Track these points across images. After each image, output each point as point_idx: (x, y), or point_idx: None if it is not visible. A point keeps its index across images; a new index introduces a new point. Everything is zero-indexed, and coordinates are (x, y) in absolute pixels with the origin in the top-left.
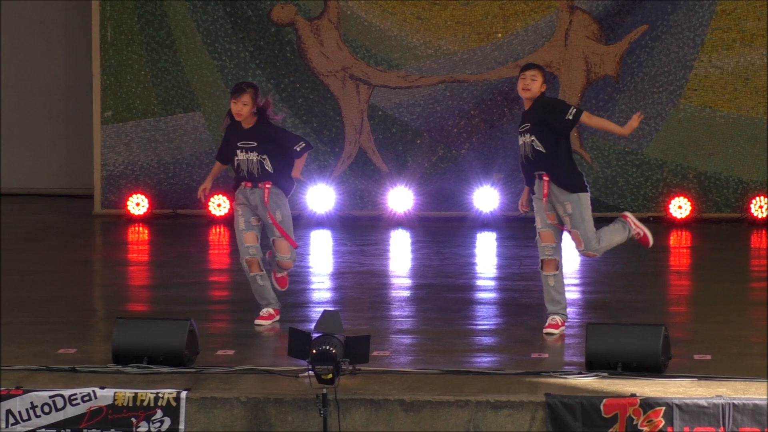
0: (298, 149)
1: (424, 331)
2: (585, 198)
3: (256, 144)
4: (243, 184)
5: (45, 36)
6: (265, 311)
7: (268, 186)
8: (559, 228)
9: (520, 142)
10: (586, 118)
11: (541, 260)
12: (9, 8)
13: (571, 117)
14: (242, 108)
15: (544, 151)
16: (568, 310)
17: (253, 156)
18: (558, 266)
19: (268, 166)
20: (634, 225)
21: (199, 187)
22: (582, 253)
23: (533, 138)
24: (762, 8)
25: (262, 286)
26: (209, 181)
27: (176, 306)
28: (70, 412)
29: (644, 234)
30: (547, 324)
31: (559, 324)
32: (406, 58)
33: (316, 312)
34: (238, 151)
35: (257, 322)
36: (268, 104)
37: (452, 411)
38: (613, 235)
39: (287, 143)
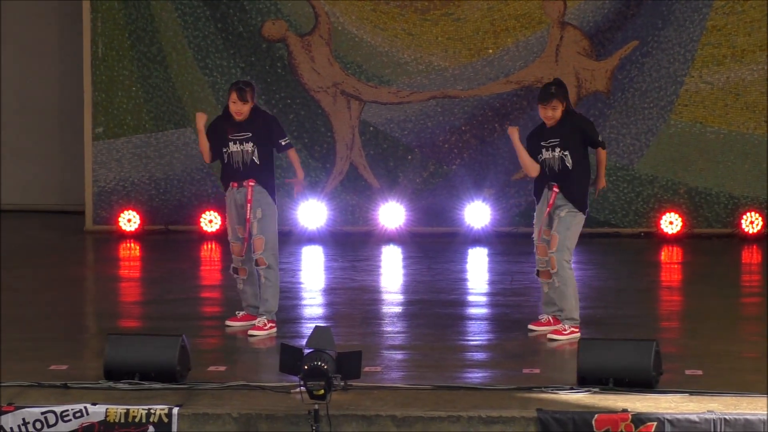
0: (282, 143)
1: (415, 347)
2: (581, 217)
3: (251, 134)
4: (231, 184)
5: (36, 52)
6: (259, 321)
7: (251, 184)
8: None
9: (546, 156)
10: (604, 153)
11: (537, 269)
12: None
13: (600, 139)
14: (243, 107)
15: (571, 167)
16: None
17: (249, 147)
18: (550, 276)
19: (256, 158)
20: (569, 334)
21: (190, 202)
22: (550, 254)
23: (566, 153)
24: (753, 24)
25: (241, 290)
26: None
27: (168, 322)
28: (62, 428)
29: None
30: (534, 322)
31: (543, 323)
32: (397, 74)
33: (308, 328)
34: (230, 144)
35: (250, 332)
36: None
37: (444, 426)
38: (571, 294)
39: (275, 135)
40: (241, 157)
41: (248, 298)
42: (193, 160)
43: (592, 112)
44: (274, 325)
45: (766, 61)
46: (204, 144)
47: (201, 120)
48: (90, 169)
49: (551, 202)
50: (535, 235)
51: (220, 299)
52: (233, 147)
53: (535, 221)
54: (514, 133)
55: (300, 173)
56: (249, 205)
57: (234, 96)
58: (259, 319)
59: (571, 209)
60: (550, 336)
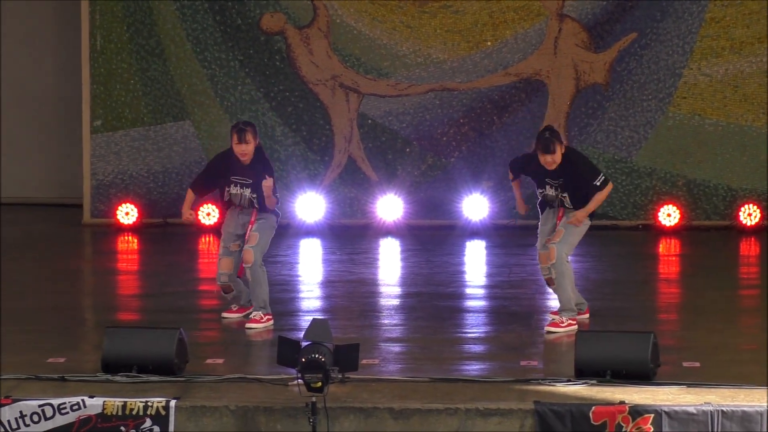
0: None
1: (413, 340)
2: (588, 224)
3: (252, 182)
4: (238, 206)
5: (35, 45)
6: (255, 314)
7: (255, 213)
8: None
9: (548, 191)
10: (606, 192)
11: (544, 279)
12: None
13: (598, 184)
14: (246, 148)
15: (571, 205)
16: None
17: (247, 192)
18: (554, 282)
19: (255, 201)
20: (568, 326)
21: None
22: (551, 245)
23: (566, 195)
24: (751, 16)
25: (230, 298)
26: (187, 209)
27: (166, 315)
28: (60, 420)
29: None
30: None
31: (558, 323)
32: (396, 67)
33: (306, 320)
34: (232, 185)
35: (247, 325)
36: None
37: (441, 419)
38: (568, 285)
39: (267, 170)
40: (240, 199)
41: (242, 297)
42: (191, 154)
43: (590, 104)
44: (270, 317)
45: (765, 53)
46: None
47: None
48: (88, 162)
49: (560, 215)
50: (538, 244)
51: (217, 292)
52: (234, 189)
53: (539, 230)
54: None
55: (270, 202)
56: (251, 226)
57: (235, 138)
58: (254, 313)
59: (576, 211)
60: (547, 329)
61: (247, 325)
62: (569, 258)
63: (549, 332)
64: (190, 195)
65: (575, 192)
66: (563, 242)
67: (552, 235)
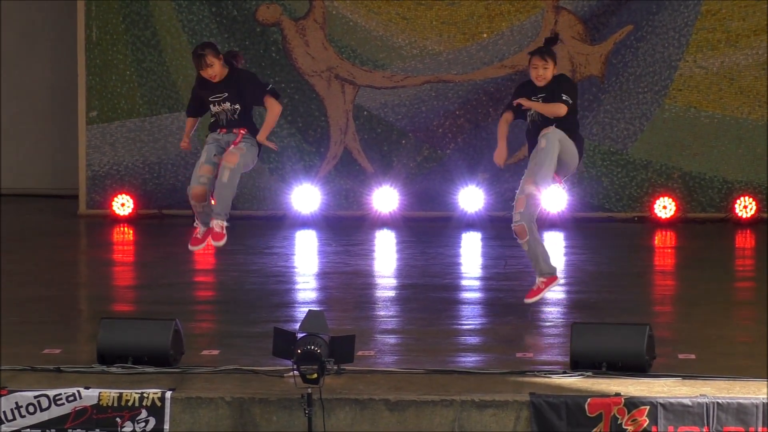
0: (269, 88)
1: (409, 331)
2: (553, 145)
3: (227, 94)
4: (218, 130)
5: (30, 36)
6: (215, 224)
7: (242, 131)
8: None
9: (530, 115)
10: (558, 107)
11: (513, 225)
12: None
13: (564, 98)
14: (212, 71)
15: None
16: (553, 309)
17: (227, 105)
18: (527, 232)
19: (237, 114)
20: (543, 287)
21: (184, 186)
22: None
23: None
24: (747, 8)
25: (200, 212)
26: (187, 140)
27: (161, 306)
28: (55, 412)
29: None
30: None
31: (537, 287)
32: (392, 58)
33: (301, 312)
34: (212, 106)
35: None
36: (238, 58)
37: (437, 411)
38: (541, 250)
39: (258, 89)
40: (225, 115)
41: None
42: None
43: (586, 96)
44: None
45: (761, 45)
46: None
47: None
48: (84, 153)
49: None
50: (519, 189)
51: (213, 283)
52: (215, 108)
53: (527, 168)
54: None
55: (267, 131)
56: (234, 144)
57: (196, 66)
58: (215, 222)
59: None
60: (526, 300)
61: (213, 240)
62: (544, 187)
63: (528, 302)
64: (188, 123)
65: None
66: (533, 178)
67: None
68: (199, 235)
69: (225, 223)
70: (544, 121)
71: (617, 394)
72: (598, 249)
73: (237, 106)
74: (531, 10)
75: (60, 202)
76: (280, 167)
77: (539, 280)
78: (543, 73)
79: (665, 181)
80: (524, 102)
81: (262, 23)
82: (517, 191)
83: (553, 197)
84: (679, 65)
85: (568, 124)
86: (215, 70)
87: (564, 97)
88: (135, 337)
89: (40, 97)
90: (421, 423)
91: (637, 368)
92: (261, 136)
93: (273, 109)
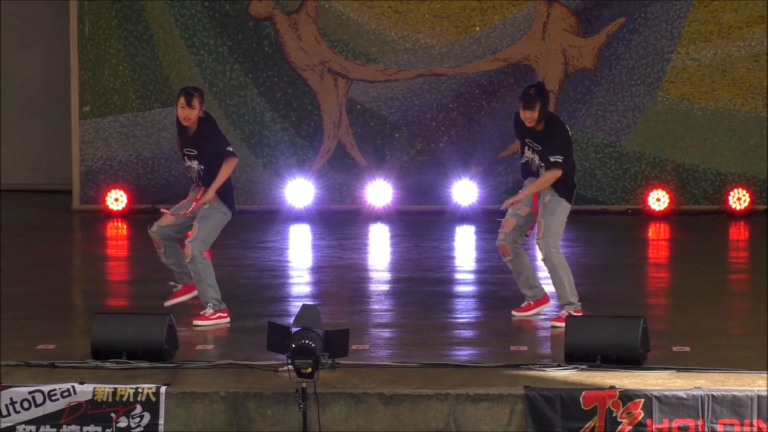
0: (229, 149)
1: (403, 325)
2: (565, 204)
3: (196, 152)
4: (191, 184)
5: (23, 32)
6: (206, 311)
7: (202, 188)
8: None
9: (528, 156)
10: (552, 175)
11: (497, 242)
12: None
13: (552, 161)
14: (190, 113)
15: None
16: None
17: (194, 164)
18: (509, 253)
19: (202, 174)
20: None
21: (178, 181)
22: (537, 242)
23: (542, 165)
24: (739, 1)
25: (165, 263)
26: None
27: (155, 301)
28: (50, 407)
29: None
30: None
31: (523, 308)
32: (384, 52)
33: (295, 306)
34: (185, 158)
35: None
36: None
37: (432, 404)
38: (564, 278)
39: (216, 153)
40: (192, 172)
41: (174, 266)
42: None
43: (579, 89)
44: (224, 314)
45: (758, 37)
46: None
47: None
48: (77, 148)
49: (535, 201)
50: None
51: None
52: (186, 162)
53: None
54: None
55: (213, 189)
56: (195, 203)
57: (182, 101)
58: (204, 310)
59: (554, 195)
60: (552, 324)
61: (195, 322)
62: (560, 249)
63: (554, 327)
64: None
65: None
66: (546, 235)
67: (523, 213)
68: (174, 289)
69: (214, 312)
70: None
71: (612, 387)
72: (592, 242)
73: (202, 167)
74: (523, 3)
75: (53, 198)
76: (273, 161)
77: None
78: (530, 116)
79: (659, 174)
80: (515, 201)
81: (254, 17)
82: (509, 212)
83: None
84: (671, 57)
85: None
86: (192, 115)
87: (553, 160)
88: (129, 333)
89: (34, 92)
90: (416, 417)
91: (632, 361)
92: (209, 193)
93: (228, 165)
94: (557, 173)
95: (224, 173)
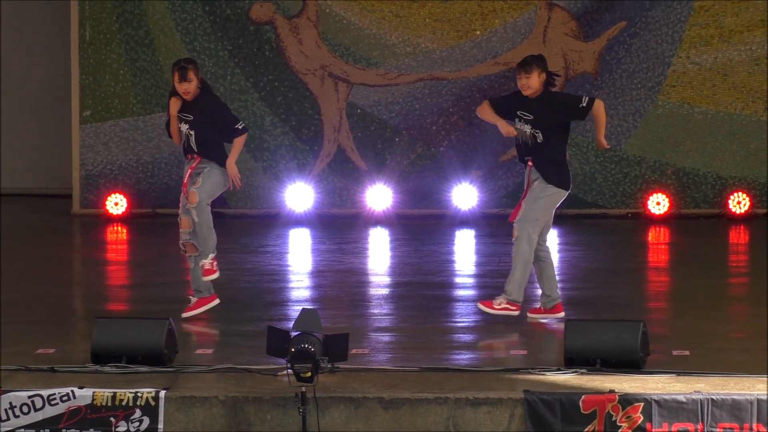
0: (239, 127)
1: (403, 329)
2: (552, 190)
3: (191, 118)
4: (187, 155)
5: (24, 35)
6: (206, 263)
7: (197, 159)
8: None
9: (518, 127)
10: (598, 105)
11: None
12: None
13: (585, 104)
14: (188, 86)
15: (542, 142)
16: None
17: (184, 127)
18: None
19: (193, 143)
20: (500, 309)
21: (178, 185)
22: (514, 224)
23: (538, 131)
24: (740, 4)
25: (192, 269)
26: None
27: (155, 305)
28: (49, 412)
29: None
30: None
31: (490, 302)
32: (385, 56)
33: (295, 310)
34: (181, 123)
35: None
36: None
37: (431, 408)
38: (519, 269)
39: (226, 123)
40: (185, 138)
41: (197, 279)
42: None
43: (579, 93)
44: (214, 264)
45: (758, 41)
46: (175, 127)
47: (175, 106)
48: (77, 152)
49: (528, 177)
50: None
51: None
52: (182, 126)
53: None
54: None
55: (232, 161)
56: (188, 174)
57: (177, 77)
58: (204, 261)
59: (540, 180)
60: (478, 305)
61: (204, 277)
62: (535, 240)
63: (479, 309)
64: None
65: (548, 129)
66: (522, 219)
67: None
68: (191, 302)
69: (211, 258)
70: (534, 148)
71: (611, 391)
72: (592, 245)
73: (192, 132)
74: (524, 7)
75: (54, 202)
76: (273, 165)
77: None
78: (526, 82)
79: (659, 178)
80: (601, 146)
81: (255, 22)
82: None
83: None
84: (672, 61)
85: (554, 154)
86: (191, 86)
87: (583, 105)
88: (129, 337)
89: (34, 96)
90: (416, 421)
91: (632, 365)
92: (230, 163)
93: (240, 140)
94: (599, 106)
95: (238, 147)
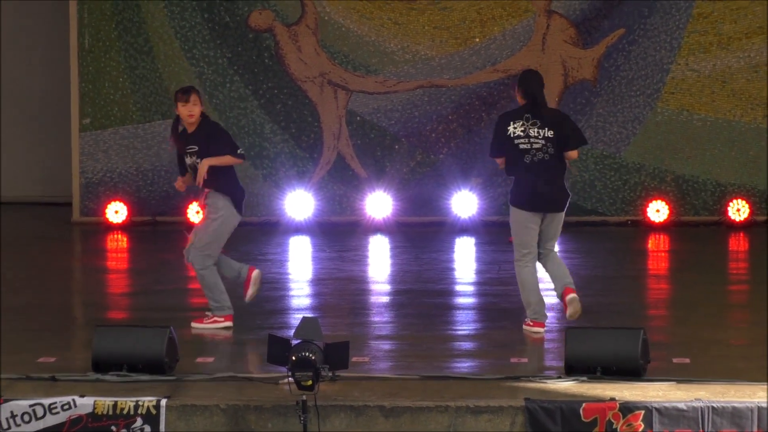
0: (238, 152)
1: (403, 337)
2: (511, 210)
3: (197, 149)
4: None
5: (23, 44)
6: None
7: (206, 191)
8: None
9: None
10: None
11: None
12: None
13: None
14: (193, 108)
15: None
16: (548, 313)
17: (193, 160)
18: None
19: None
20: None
21: (178, 193)
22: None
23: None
24: (739, 11)
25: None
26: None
27: (156, 313)
28: (50, 420)
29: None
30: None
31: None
32: (384, 64)
33: (296, 318)
34: (186, 158)
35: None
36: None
37: (432, 416)
38: (521, 290)
39: (229, 147)
40: (194, 168)
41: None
42: None
43: (578, 100)
44: (221, 319)
45: (757, 48)
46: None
47: (182, 184)
48: (77, 160)
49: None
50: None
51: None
52: (188, 160)
53: None
54: None
55: (214, 161)
56: (202, 209)
57: (182, 99)
58: (207, 314)
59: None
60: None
61: (193, 323)
62: (521, 262)
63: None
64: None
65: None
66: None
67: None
68: (208, 314)
69: (212, 316)
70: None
71: (612, 399)
72: (592, 253)
73: (200, 161)
74: (523, 15)
75: (54, 210)
76: (273, 173)
77: None
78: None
79: (658, 185)
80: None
81: (254, 29)
82: None
83: None
84: (671, 68)
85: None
86: (195, 111)
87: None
88: (130, 345)
89: (34, 104)
90: (416, 429)
91: (632, 372)
92: (208, 159)
93: (233, 158)
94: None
95: (225, 159)
